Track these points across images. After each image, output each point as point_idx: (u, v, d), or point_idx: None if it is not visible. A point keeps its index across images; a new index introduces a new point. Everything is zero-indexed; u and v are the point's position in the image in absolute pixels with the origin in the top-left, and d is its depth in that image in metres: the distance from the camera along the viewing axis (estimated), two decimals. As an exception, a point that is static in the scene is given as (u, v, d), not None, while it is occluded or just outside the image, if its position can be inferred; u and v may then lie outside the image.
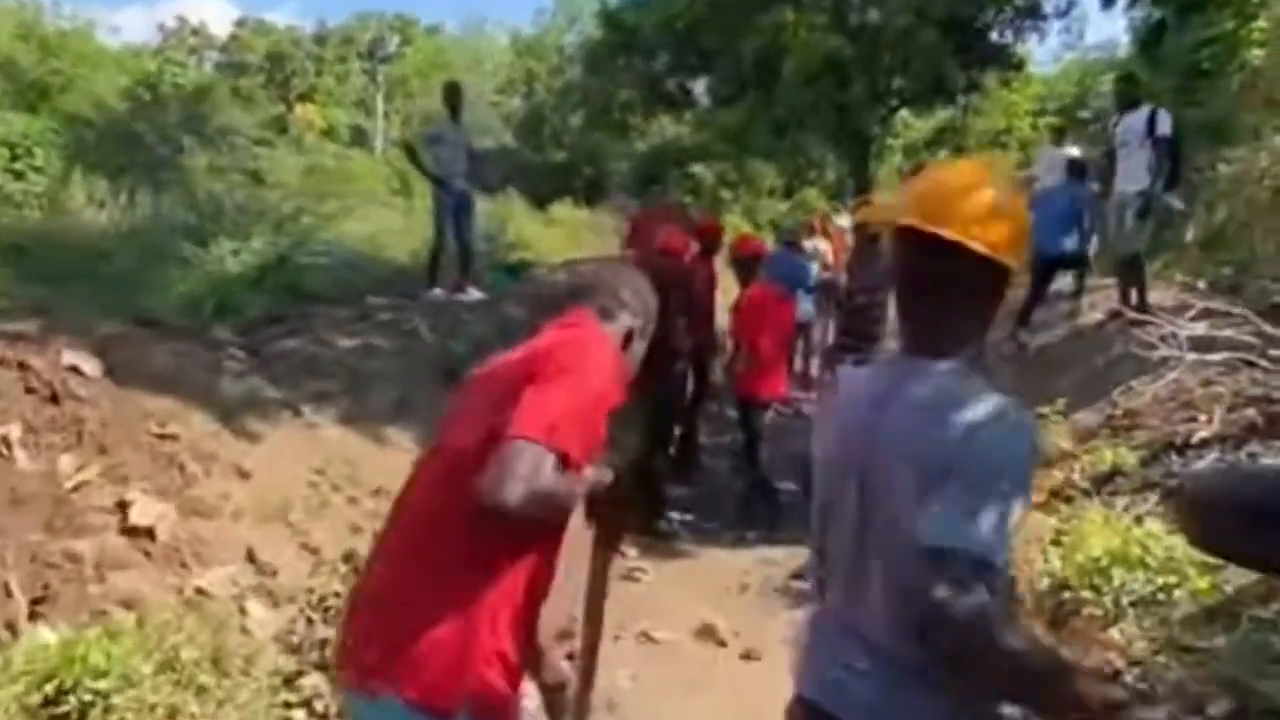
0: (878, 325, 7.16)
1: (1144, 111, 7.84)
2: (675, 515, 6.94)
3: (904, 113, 26.70)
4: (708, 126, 23.48)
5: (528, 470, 1.94)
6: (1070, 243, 8.51)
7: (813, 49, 21.55)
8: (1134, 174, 7.80)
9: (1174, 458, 4.79)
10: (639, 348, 2.47)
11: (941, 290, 1.68)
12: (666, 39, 25.31)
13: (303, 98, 41.74)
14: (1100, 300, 8.76)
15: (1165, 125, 7.66)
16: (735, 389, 6.99)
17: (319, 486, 5.09)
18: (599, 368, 2.20)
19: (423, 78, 42.49)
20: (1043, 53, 59.46)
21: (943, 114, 27.61)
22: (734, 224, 20.62)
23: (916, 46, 21.13)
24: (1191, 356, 5.83)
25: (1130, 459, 5.02)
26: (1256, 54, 12.31)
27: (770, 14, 22.35)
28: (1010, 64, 24.22)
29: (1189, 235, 9.67)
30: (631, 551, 6.36)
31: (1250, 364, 5.57)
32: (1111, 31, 57.45)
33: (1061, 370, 7.44)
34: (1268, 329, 5.55)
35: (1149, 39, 23.84)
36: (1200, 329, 6.02)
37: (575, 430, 2.07)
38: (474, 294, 9.17)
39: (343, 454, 5.49)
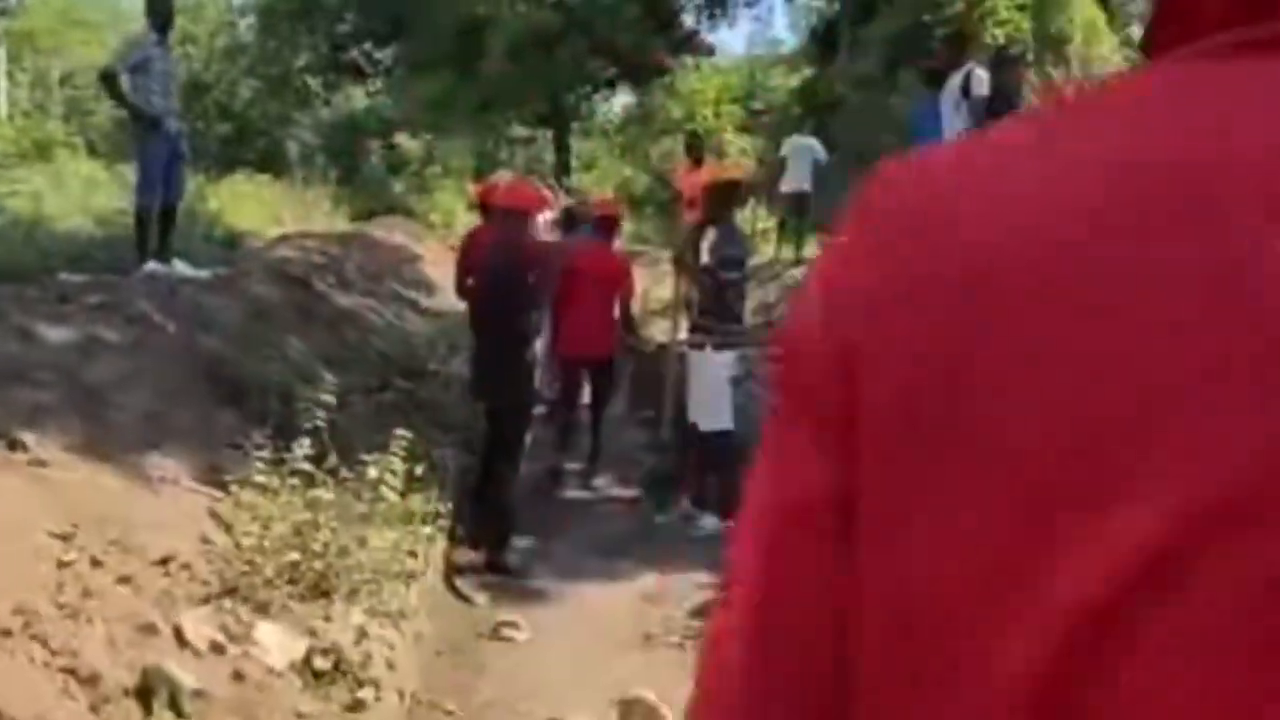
0: (742, 304, 6.06)
1: (961, 71, 7.28)
2: (523, 543, 5.44)
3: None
4: (408, 97, 21.38)
5: None
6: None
7: (520, 21, 20.21)
8: (951, 138, 7.23)
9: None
10: None
11: None
12: (352, 2, 22.99)
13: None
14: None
15: (981, 85, 7.13)
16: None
17: (71, 564, 3.14)
18: None
19: (54, 36, 36.27)
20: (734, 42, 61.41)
21: (625, 99, 27.35)
22: (445, 204, 18.83)
23: (622, 23, 20.41)
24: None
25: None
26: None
27: (471, -20, 20.74)
28: (703, 50, 24.22)
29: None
30: (481, 599, 4.83)
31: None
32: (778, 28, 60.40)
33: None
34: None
35: (826, 35, 24.81)
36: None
37: None
38: (182, 268, 7.04)
39: (94, 506, 3.51)
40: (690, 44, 23.78)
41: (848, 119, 19.84)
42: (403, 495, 4.13)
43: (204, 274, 6.99)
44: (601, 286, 6.49)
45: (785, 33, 53.77)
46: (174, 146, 6.89)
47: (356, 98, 24.06)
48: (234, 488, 3.88)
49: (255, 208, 14.36)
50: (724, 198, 5.91)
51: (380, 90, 23.73)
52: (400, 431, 4.30)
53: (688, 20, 23.70)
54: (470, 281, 5.87)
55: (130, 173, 7.89)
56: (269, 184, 18.19)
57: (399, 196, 18.01)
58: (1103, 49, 8.93)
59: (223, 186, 16.79)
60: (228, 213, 12.58)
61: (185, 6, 30.48)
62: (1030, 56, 10.60)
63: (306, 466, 3.87)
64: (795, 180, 11.71)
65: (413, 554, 4.19)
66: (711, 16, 23.72)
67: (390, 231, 15.39)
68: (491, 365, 5.18)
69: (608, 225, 7.03)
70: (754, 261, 5.79)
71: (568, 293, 6.20)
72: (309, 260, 9.54)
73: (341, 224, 15.83)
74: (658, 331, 10.51)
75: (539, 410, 6.50)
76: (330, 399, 4.42)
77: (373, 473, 4.00)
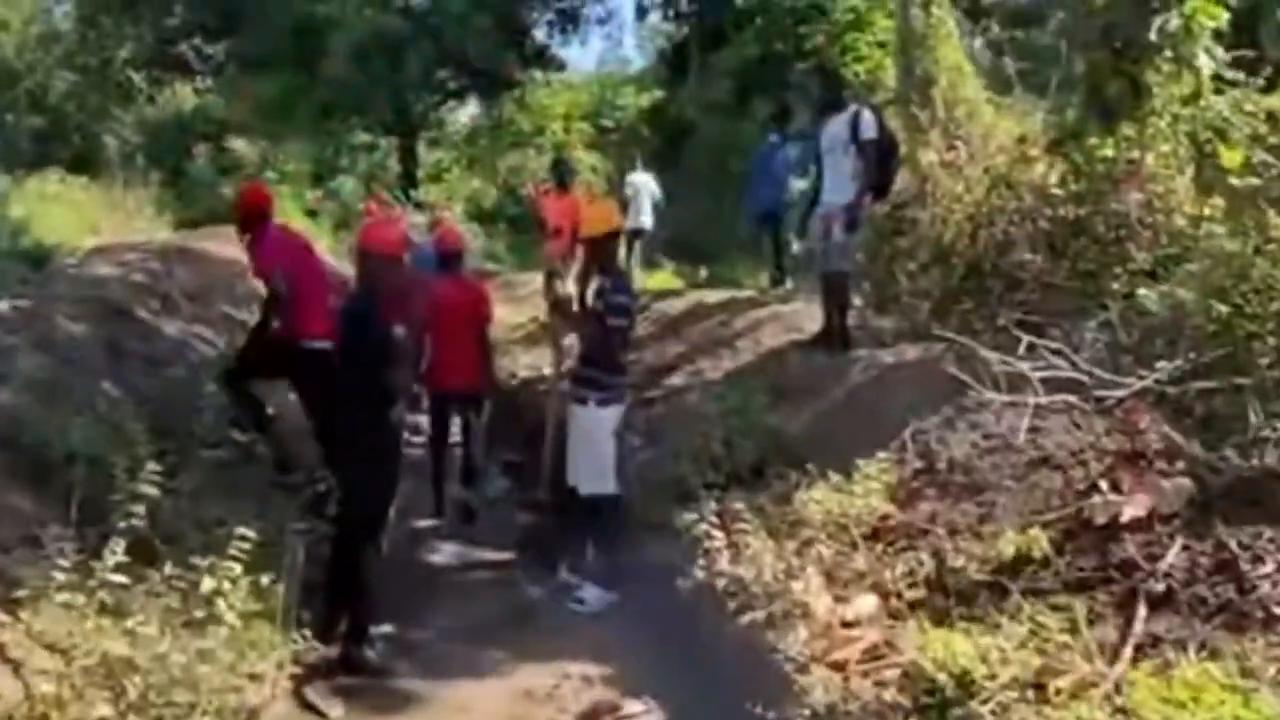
0: (626, 352, 5.48)
1: (846, 114, 6.94)
2: (383, 630, 4.69)
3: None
4: (242, 97, 19.86)
5: None
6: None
7: (365, 24, 19.08)
8: (839, 184, 6.88)
9: (1115, 546, 3.69)
10: None
11: None
12: (182, -9, 21.28)
13: None
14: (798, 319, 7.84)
15: (870, 128, 6.82)
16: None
17: None
18: None
19: None
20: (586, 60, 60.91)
21: (471, 110, 26.44)
22: (281, 212, 17.42)
23: (473, 32, 19.55)
24: (1004, 398, 4.89)
25: (1042, 541, 3.87)
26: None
27: (309, -23, 19.45)
28: (554, 65, 23.61)
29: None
30: (336, 710, 4.06)
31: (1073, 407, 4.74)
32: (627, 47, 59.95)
33: (795, 402, 6.29)
34: (1098, 371, 4.75)
35: (675, 58, 24.63)
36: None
37: None
38: None
39: None
40: (541, 58, 23.16)
41: (698, 144, 19.70)
42: (243, 618, 3.34)
43: (2, 305, 5.91)
44: (463, 318, 6.35)
45: (634, 52, 53.82)
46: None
47: (184, 95, 22.21)
48: (24, 610, 3.02)
49: (68, 214, 12.84)
50: (610, 246, 5.36)
51: (211, 89, 22.01)
52: (240, 531, 3.48)
53: (539, 35, 23.08)
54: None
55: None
56: (85, 186, 16.46)
57: (229, 203, 16.54)
58: (968, 91, 8.78)
59: (30, 187, 15.07)
60: (35, 220, 11.13)
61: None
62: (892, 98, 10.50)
63: (119, 579, 3.05)
64: (636, 217, 11.39)
65: (254, 677, 3.42)
66: (564, 31, 23.17)
67: (220, 243, 14.07)
68: (351, 429, 4.41)
69: (454, 259, 6.80)
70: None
71: (431, 327, 6.13)
72: (127, 280, 8.41)
73: (164, 233, 14.39)
74: (517, 364, 9.86)
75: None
76: (151, 474, 3.60)
77: (207, 584, 3.22)
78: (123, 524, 3.24)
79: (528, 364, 9.48)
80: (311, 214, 18.78)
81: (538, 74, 23.72)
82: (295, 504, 5.30)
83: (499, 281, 14.29)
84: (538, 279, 12.01)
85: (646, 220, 11.78)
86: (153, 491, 3.64)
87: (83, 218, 13.56)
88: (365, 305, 4.45)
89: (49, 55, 22.68)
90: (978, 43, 16.60)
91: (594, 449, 5.26)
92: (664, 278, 13.32)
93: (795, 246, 11.83)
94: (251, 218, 5.97)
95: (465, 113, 27.74)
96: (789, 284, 10.50)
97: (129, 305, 7.32)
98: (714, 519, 4.93)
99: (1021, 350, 4.80)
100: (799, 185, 10.14)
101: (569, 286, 7.69)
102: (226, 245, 14.25)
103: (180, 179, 18.32)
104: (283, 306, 5.75)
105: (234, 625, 3.22)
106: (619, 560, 5.38)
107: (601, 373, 5.25)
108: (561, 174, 9.96)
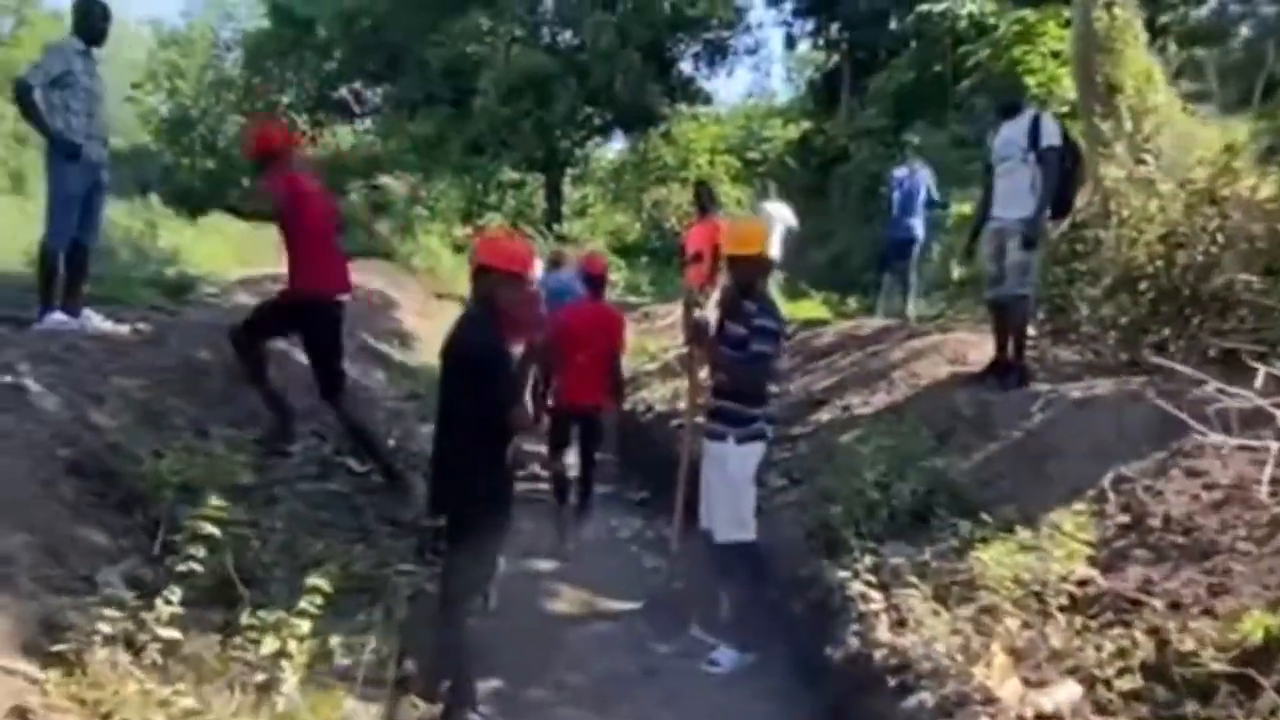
0: (771, 384, 4.83)
1: (1025, 118, 6.11)
2: (491, 685, 4.13)
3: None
4: (397, 135, 20.25)
5: None
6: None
7: (513, 63, 19.17)
8: (1015, 196, 6.04)
9: None
10: None
11: None
12: (344, 39, 21.89)
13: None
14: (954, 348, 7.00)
15: (1052, 134, 5.96)
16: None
17: None
18: None
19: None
20: (729, 94, 60.41)
21: (618, 146, 26.34)
22: (430, 247, 17.57)
23: (623, 67, 19.37)
24: (1233, 440, 3.98)
25: (1299, 627, 2.99)
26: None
27: (463, 18, 19.70)
28: (700, 97, 23.25)
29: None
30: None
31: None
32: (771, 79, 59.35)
33: (962, 442, 5.46)
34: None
35: (825, 87, 23.91)
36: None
37: None
38: (96, 321, 5.78)
39: None
40: (687, 91, 22.83)
41: (850, 173, 18.93)
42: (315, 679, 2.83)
43: (123, 329, 5.72)
44: (597, 340, 6.38)
45: (781, 85, 52.90)
46: (94, 177, 5.66)
47: (343, 137, 22.89)
48: (52, 670, 2.57)
49: (220, 247, 13.09)
50: (758, 268, 4.70)
51: (369, 129, 22.61)
52: (314, 582, 2.97)
53: (685, 67, 22.77)
54: None
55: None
56: (253, 227, 17.01)
57: (381, 238, 16.77)
58: (1158, 99, 7.79)
59: (184, 222, 15.56)
60: (185, 252, 11.31)
61: (176, 39, 29.42)
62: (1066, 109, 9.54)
63: (170, 633, 2.59)
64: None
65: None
66: (710, 64, 22.78)
67: (368, 276, 14.17)
68: (462, 463, 3.88)
69: (599, 281, 6.78)
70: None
71: (564, 347, 6.30)
72: (265, 308, 8.27)
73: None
74: (653, 396, 9.29)
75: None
76: (232, 507, 3.16)
77: (268, 646, 2.72)
78: (183, 566, 2.78)
79: (663, 396, 8.89)
80: (459, 249, 18.88)
81: (683, 107, 23.41)
82: (407, 544, 4.83)
83: (639, 313, 13.83)
84: (677, 309, 11.48)
85: (775, 251, 11.07)
86: (236, 527, 3.22)
87: (234, 251, 13.83)
88: (480, 327, 3.93)
89: (220, 101, 23.86)
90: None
91: (732, 491, 4.61)
92: (811, 307, 12.57)
93: (955, 271, 10.98)
94: (265, 158, 5.46)
95: (611, 149, 27.78)
96: (911, 312, 10.00)
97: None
98: (870, 575, 4.21)
99: (1259, 383, 3.90)
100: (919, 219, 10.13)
101: (708, 312, 7.10)
102: (375, 277, 14.39)
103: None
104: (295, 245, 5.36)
105: (290, 695, 2.70)
106: (757, 618, 4.69)
107: (742, 405, 4.59)
108: (702, 198, 9.37)
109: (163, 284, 8.20)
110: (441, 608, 3.86)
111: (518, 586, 5.18)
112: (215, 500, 2.94)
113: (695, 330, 4.82)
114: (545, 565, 5.79)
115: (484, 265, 3.89)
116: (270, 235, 16.16)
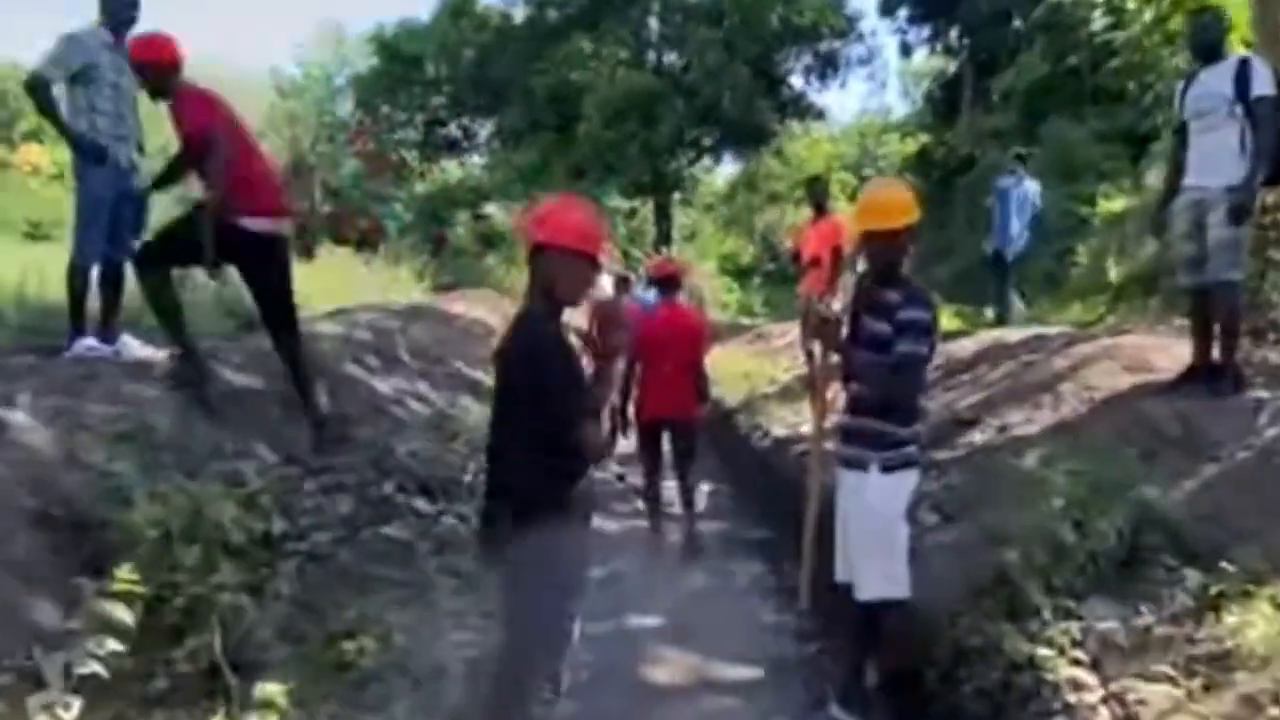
0: (923, 392, 3.75)
1: (1228, 64, 4.83)
2: None
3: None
4: (502, 166, 19.84)
5: None
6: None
7: (617, 85, 18.49)
8: (1219, 159, 4.77)
9: None
10: None
11: None
12: (450, 73, 21.68)
13: (28, 138, 34.93)
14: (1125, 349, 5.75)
15: (1267, 82, 4.68)
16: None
17: None
18: None
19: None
20: (842, 111, 58.44)
21: (727, 170, 25.38)
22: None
23: (730, 84, 18.47)
24: None
25: None
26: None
27: (566, 45, 19.16)
28: (812, 113, 22.12)
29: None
30: None
31: None
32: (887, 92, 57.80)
33: (1167, 466, 4.23)
34: None
35: (945, 95, 22.50)
36: None
37: None
38: (134, 347, 5.07)
39: None
40: (798, 107, 21.74)
41: (974, 180, 17.66)
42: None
43: (161, 354, 5.00)
44: (679, 345, 6.03)
45: (897, 99, 50.79)
46: (124, 184, 4.99)
47: (451, 171, 22.69)
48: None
49: (324, 279, 12.63)
50: (902, 245, 3.58)
51: (476, 163, 22.35)
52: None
53: (796, 82, 21.70)
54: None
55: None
56: (366, 261, 16.73)
57: (488, 269, 16.26)
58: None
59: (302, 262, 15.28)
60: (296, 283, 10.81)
61: (296, 86, 29.95)
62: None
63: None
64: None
65: None
66: (822, 77, 21.64)
67: (470, 304, 13.55)
68: (521, 496, 2.90)
69: (671, 283, 6.35)
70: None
71: (644, 355, 6.03)
72: (349, 337, 7.60)
73: (419, 296, 14.07)
74: (771, 421, 8.20)
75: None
76: (129, 585, 2.26)
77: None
78: (82, 666, 1.90)
79: (783, 420, 7.81)
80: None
81: (794, 124, 22.33)
82: (473, 600, 3.90)
83: (752, 334, 12.78)
84: (793, 330, 10.40)
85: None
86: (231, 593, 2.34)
87: (339, 283, 13.39)
88: (539, 321, 2.95)
89: (334, 143, 23.98)
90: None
91: (876, 533, 3.53)
92: (943, 318, 11.31)
93: (1112, 272, 9.62)
94: (164, 74, 4.56)
95: (721, 174, 26.86)
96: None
97: (332, 361, 6.40)
98: (1074, 648, 3.07)
99: None
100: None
101: (835, 307, 6.11)
102: (476, 305, 13.78)
103: (442, 246, 18.35)
104: (218, 172, 4.41)
105: None
106: (914, 699, 3.58)
107: (887, 423, 3.51)
108: (818, 196, 8.29)
109: (240, 313, 7.58)
110: (493, 694, 2.89)
111: (607, 651, 4.18)
112: (126, 572, 2.05)
113: (820, 329, 3.74)
114: (643, 621, 4.78)
115: (540, 243, 2.92)
116: (379, 268, 15.79)
